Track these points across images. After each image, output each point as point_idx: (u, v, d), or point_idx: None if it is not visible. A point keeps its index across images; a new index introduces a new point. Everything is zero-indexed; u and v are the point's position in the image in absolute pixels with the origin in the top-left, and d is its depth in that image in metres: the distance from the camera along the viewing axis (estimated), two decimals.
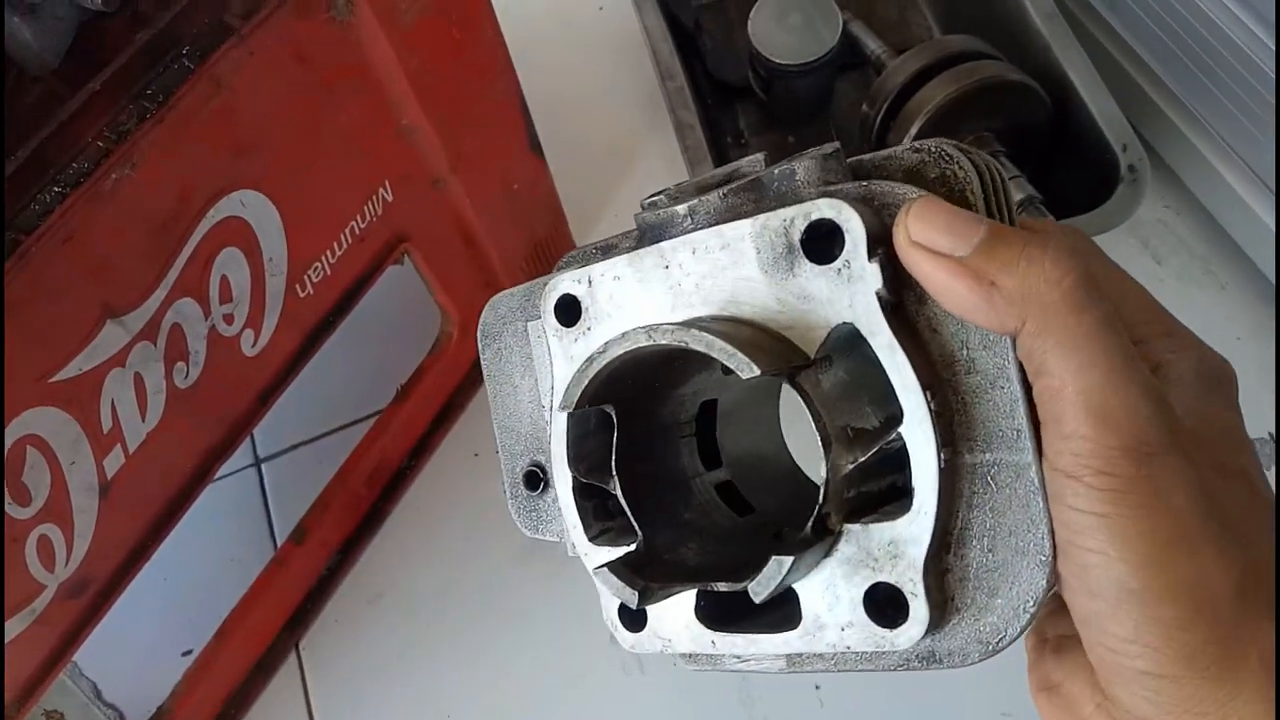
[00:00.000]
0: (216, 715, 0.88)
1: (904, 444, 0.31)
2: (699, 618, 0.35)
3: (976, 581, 0.31)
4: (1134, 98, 1.03)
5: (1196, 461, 0.28)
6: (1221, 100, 0.93)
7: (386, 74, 0.73)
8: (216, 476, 0.76)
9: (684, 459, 0.41)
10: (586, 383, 0.35)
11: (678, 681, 0.85)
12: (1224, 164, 0.96)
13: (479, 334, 0.43)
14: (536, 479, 0.40)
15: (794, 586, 0.33)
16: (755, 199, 0.34)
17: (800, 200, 0.32)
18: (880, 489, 0.33)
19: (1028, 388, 0.30)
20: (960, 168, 0.31)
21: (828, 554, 0.32)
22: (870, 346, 0.31)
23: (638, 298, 0.35)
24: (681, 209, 0.35)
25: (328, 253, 0.76)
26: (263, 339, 0.74)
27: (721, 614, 0.35)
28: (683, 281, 0.34)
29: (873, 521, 0.31)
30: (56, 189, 0.54)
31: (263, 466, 1.03)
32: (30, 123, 0.55)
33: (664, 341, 0.32)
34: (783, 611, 0.33)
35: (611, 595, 0.34)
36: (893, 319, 0.31)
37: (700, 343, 0.31)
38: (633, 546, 0.36)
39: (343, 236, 0.77)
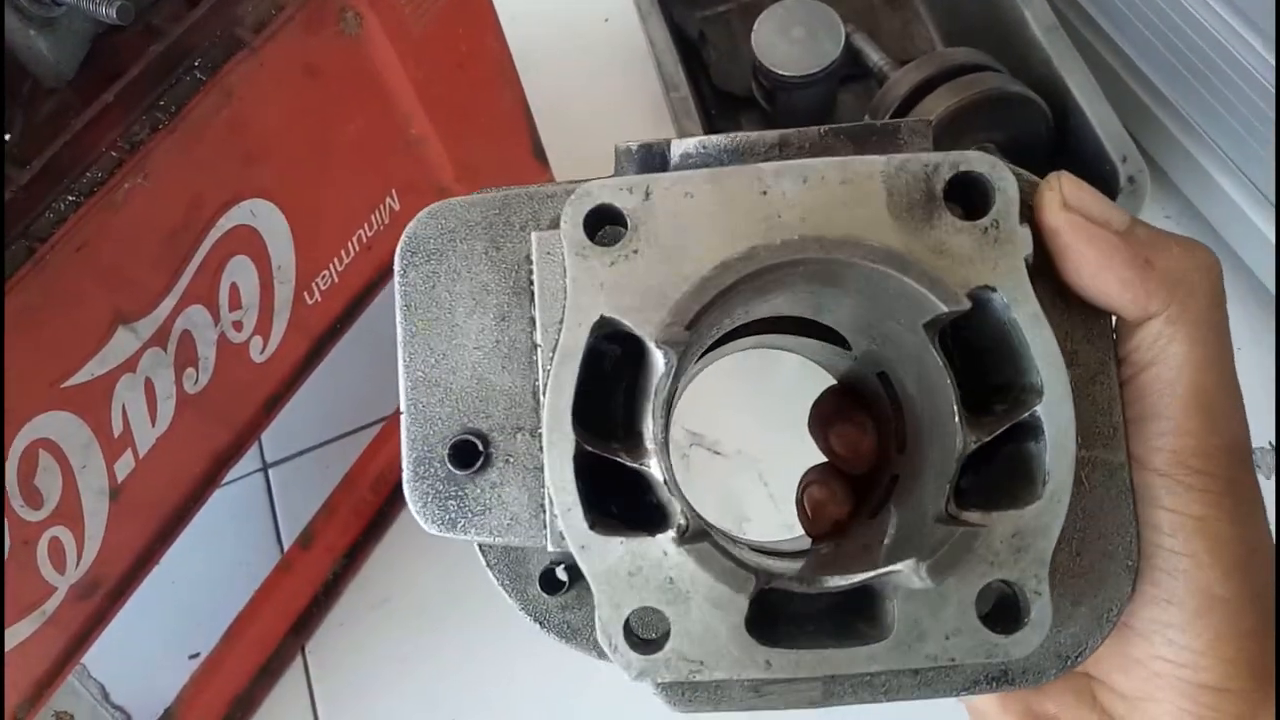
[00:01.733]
0: (223, 717, 0.89)
1: (1036, 421, 0.28)
2: (749, 630, 0.28)
3: (1061, 590, 0.28)
4: (1133, 109, 1.03)
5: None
6: (1220, 112, 0.94)
7: (394, 86, 0.75)
8: (224, 481, 0.77)
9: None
10: (710, 298, 0.28)
11: None
12: (1223, 174, 0.97)
13: (402, 249, 0.32)
14: (472, 452, 0.31)
15: (874, 587, 0.28)
16: (876, 143, 0.30)
17: (951, 154, 0.28)
18: (997, 480, 0.29)
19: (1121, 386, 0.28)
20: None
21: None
22: (1000, 317, 0.28)
23: (715, 222, 0.29)
24: (771, 135, 0.30)
25: (335, 261, 0.77)
26: (271, 345, 0.75)
27: (776, 620, 0.29)
28: (783, 213, 0.29)
29: (994, 504, 0.28)
30: (70, 198, 0.55)
31: (270, 471, 1.04)
32: (45, 133, 0.56)
33: (860, 263, 0.28)
34: (858, 613, 0.28)
35: (635, 602, 0.27)
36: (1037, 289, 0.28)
37: (896, 264, 0.27)
38: (675, 530, 0.28)
39: (350, 245, 0.78)
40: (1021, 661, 0.28)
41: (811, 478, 0.37)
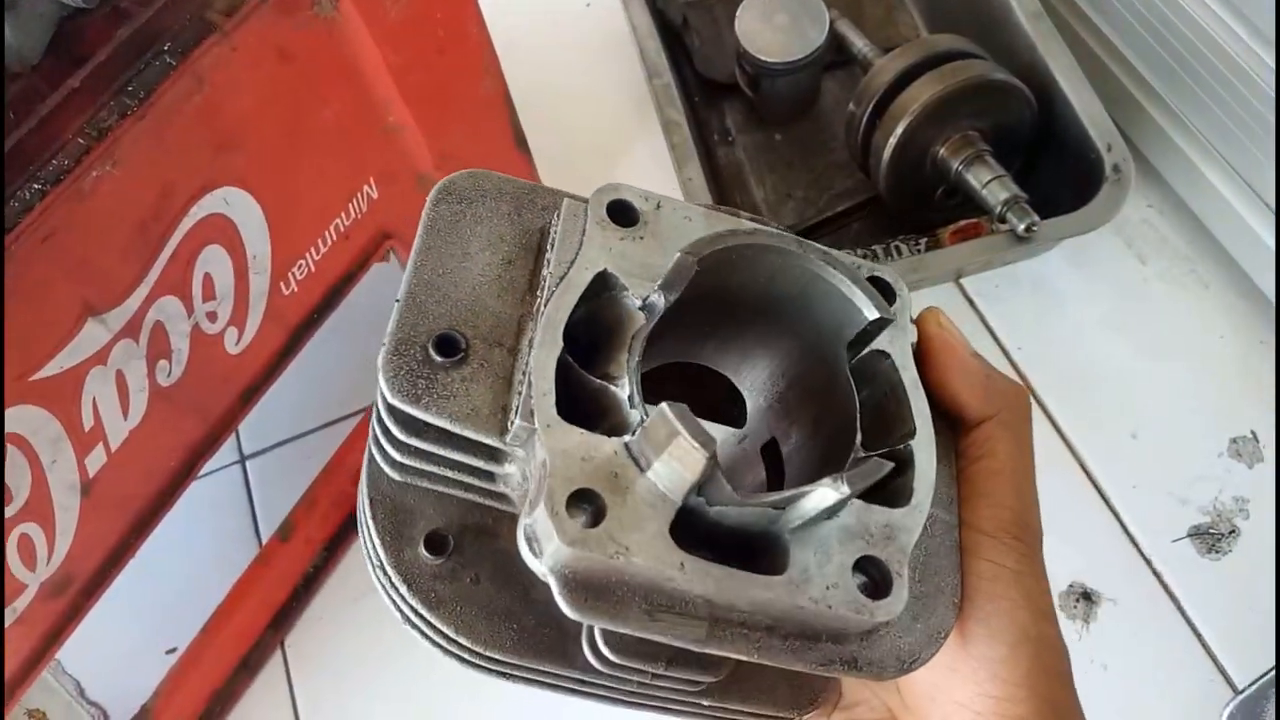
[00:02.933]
0: (201, 713, 0.88)
1: (909, 453, 0.36)
2: (672, 533, 0.32)
3: (905, 605, 0.34)
4: (1118, 98, 1.03)
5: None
6: (1205, 101, 0.94)
7: (371, 71, 0.73)
8: (201, 473, 0.76)
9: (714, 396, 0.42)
10: (718, 246, 0.36)
11: None
12: (1207, 164, 0.97)
13: (440, 189, 0.37)
14: (454, 346, 0.34)
15: (787, 537, 0.34)
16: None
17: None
18: (895, 461, 0.36)
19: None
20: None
21: (829, 517, 0.34)
22: (889, 375, 0.37)
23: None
24: (748, 224, 0.39)
25: (312, 250, 0.76)
26: (246, 337, 0.73)
27: (689, 543, 0.32)
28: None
29: (876, 504, 0.35)
30: (36, 186, 0.54)
31: (248, 463, 1.02)
32: (9, 120, 0.54)
33: (823, 273, 0.38)
34: (753, 561, 0.33)
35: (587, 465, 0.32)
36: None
37: (840, 275, 0.37)
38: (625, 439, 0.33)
39: (327, 234, 0.76)
40: (869, 654, 0.34)
41: None
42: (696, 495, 0.32)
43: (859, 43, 1.05)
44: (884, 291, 0.38)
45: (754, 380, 0.44)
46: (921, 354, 0.39)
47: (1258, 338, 0.97)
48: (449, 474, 0.35)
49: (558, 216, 0.37)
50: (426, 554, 0.36)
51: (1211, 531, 0.88)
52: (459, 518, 0.37)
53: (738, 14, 1.04)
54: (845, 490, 0.31)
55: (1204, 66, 0.92)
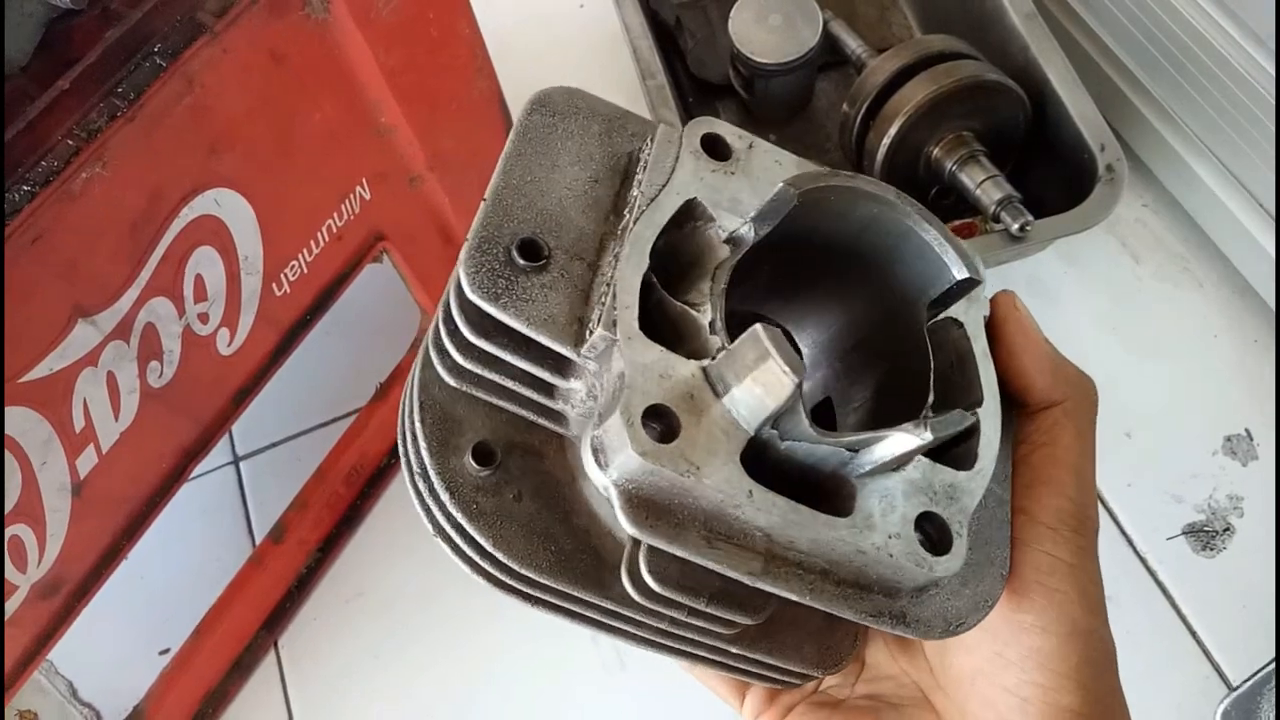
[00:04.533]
0: (194, 714, 0.88)
1: (976, 420, 0.35)
2: (744, 463, 0.32)
3: (960, 574, 0.35)
4: (1111, 97, 1.03)
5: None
6: (1197, 100, 0.94)
7: (363, 72, 0.73)
8: (194, 474, 0.76)
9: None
10: (821, 184, 0.35)
11: (659, 678, 0.85)
12: (1200, 163, 0.97)
13: (534, 100, 0.38)
14: (538, 252, 0.34)
15: (854, 481, 0.34)
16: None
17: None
18: (965, 430, 0.36)
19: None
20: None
21: (896, 469, 0.34)
22: (961, 343, 0.37)
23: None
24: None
25: (304, 251, 0.76)
26: (238, 338, 0.73)
27: (762, 474, 0.32)
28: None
29: (942, 464, 0.35)
30: (25, 188, 0.54)
31: (241, 465, 1.02)
32: None
33: (918, 228, 0.37)
34: (828, 501, 0.34)
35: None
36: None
37: (936, 232, 0.37)
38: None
39: (319, 235, 0.76)
40: (918, 611, 0.34)
41: None
42: (770, 428, 0.32)
43: (852, 43, 1.05)
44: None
45: (818, 338, 0.43)
46: (994, 331, 0.38)
47: (1252, 336, 0.97)
48: (510, 384, 0.35)
49: (651, 141, 0.37)
50: (473, 464, 0.35)
51: (1206, 529, 0.88)
52: (507, 434, 0.36)
53: (731, 15, 1.04)
54: (927, 436, 0.32)
55: (1196, 66, 0.92)
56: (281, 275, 0.74)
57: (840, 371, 0.42)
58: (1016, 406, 0.39)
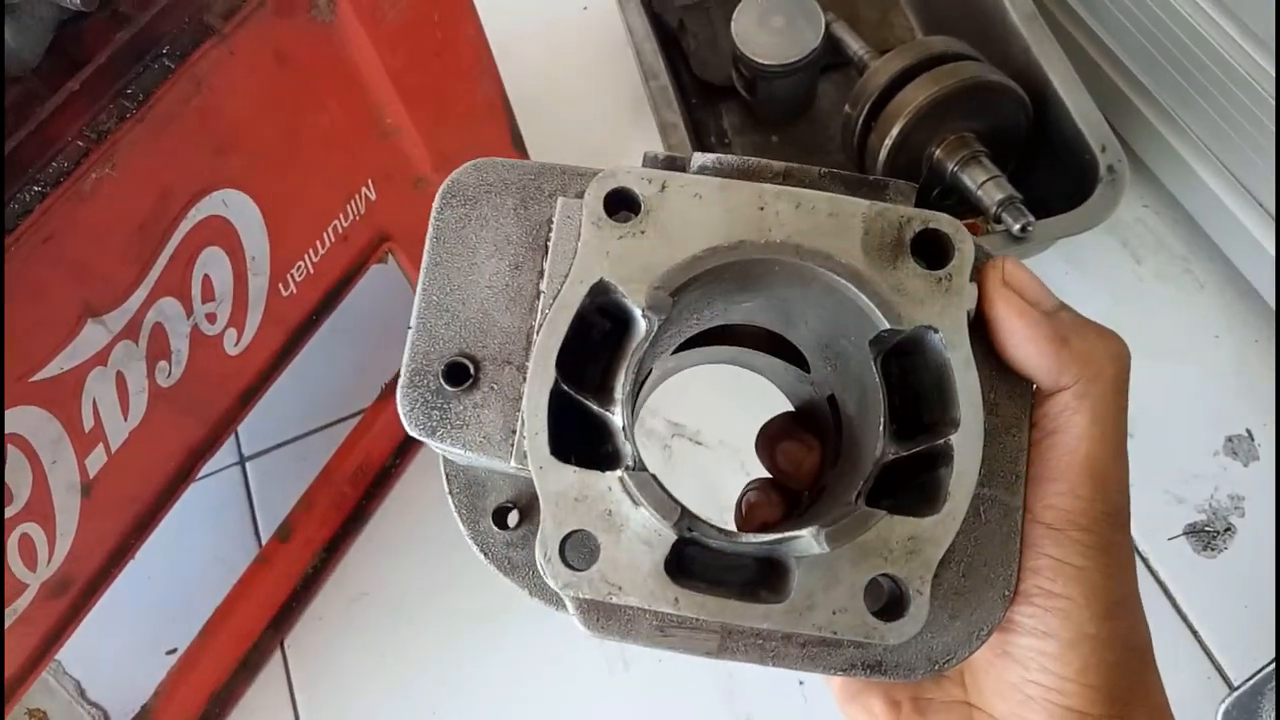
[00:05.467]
0: (201, 712, 0.88)
1: (948, 449, 0.32)
2: (667, 570, 0.31)
3: (942, 602, 0.32)
4: (1112, 98, 1.04)
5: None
6: (1198, 101, 0.95)
7: (369, 74, 0.74)
8: (200, 475, 0.76)
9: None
10: (695, 272, 0.33)
11: (660, 678, 0.85)
12: (1201, 164, 0.98)
13: (444, 191, 0.37)
14: (463, 373, 0.34)
15: (789, 561, 0.32)
16: (852, 189, 0.35)
17: (908, 209, 0.33)
18: (912, 486, 0.34)
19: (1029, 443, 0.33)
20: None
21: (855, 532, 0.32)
22: (937, 354, 0.33)
23: (714, 223, 0.34)
24: (778, 165, 0.35)
25: (310, 252, 0.76)
26: (245, 338, 0.74)
27: (692, 571, 0.32)
28: (774, 229, 0.34)
29: (900, 514, 0.31)
30: (36, 188, 0.54)
31: (247, 465, 1.03)
32: (9, 123, 0.55)
33: (824, 273, 0.33)
34: (762, 583, 0.32)
35: (567, 520, 0.31)
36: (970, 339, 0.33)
37: (850, 281, 0.32)
38: (620, 472, 0.32)
39: (325, 236, 0.77)
40: (896, 656, 0.32)
41: (752, 485, 0.42)
42: (689, 530, 0.32)
43: (854, 45, 1.06)
44: (939, 248, 0.33)
45: (803, 340, 0.41)
46: (985, 318, 0.34)
47: (1252, 336, 0.97)
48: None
49: (552, 221, 0.35)
50: (494, 526, 0.36)
51: (1207, 529, 0.88)
52: (526, 488, 0.36)
53: (734, 16, 1.04)
54: (825, 547, 0.30)
55: (1196, 66, 0.93)
56: (288, 276, 0.75)
57: (831, 375, 0.40)
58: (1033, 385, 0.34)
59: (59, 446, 0.62)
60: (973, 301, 0.33)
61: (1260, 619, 0.82)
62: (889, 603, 0.31)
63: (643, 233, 0.34)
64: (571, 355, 0.33)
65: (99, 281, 0.61)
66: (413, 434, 0.34)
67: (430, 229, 0.37)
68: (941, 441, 0.32)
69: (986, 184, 0.91)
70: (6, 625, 0.64)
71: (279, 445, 1.03)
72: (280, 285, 0.74)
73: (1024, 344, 0.33)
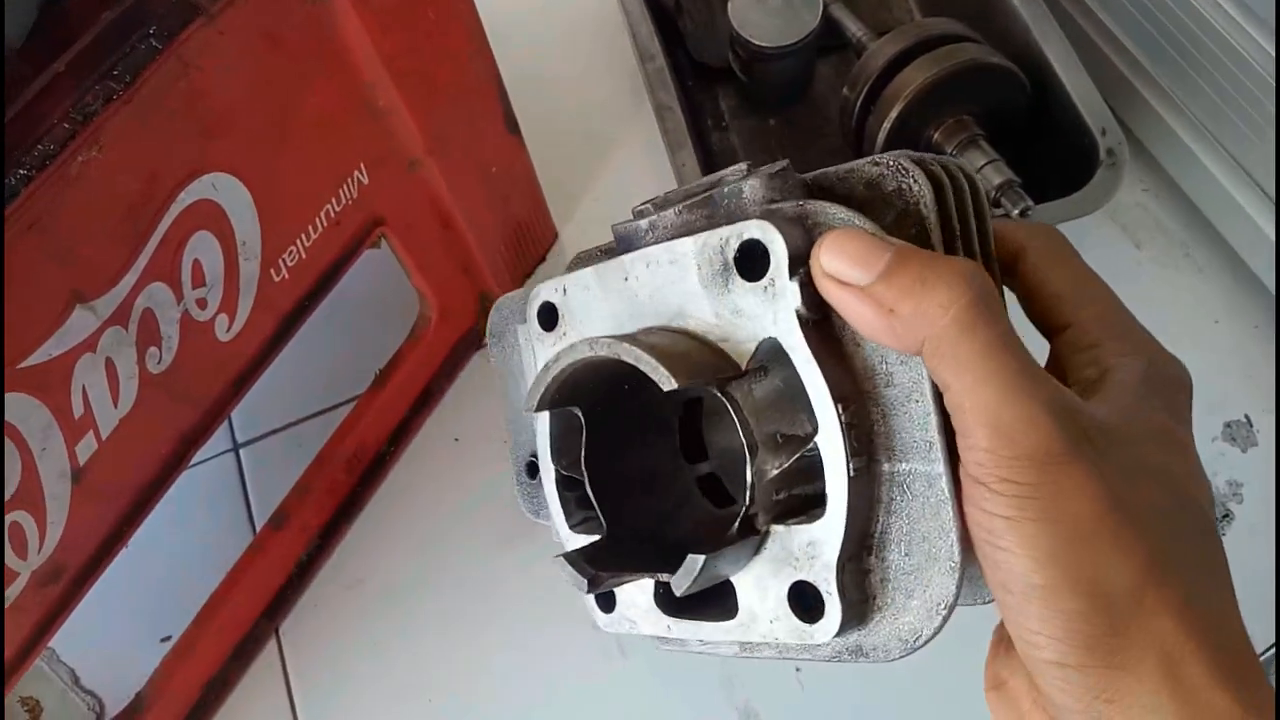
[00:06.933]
0: (196, 700, 0.88)
1: (817, 454, 0.32)
2: (658, 604, 0.38)
3: (895, 583, 0.33)
4: (1112, 81, 1.03)
5: (1108, 463, 0.30)
6: (1199, 83, 0.94)
7: (360, 56, 0.72)
8: (193, 461, 0.76)
9: (664, 453, 0.42)
10: (543, 389, 0.36)
11: (658, 666, 0.85)
12: (1201, 147, 0.97)
13: (488, 332, 0.47)
14: (535, 469, 0.44)
15: (731, 580, 0.35)
16: (708, 215, 0.35)
17: (744, 218, 0.33)
18: (808, 494, 0.34)
19: (942, 400, 0.31)
20: (915, 181, 0.32)
21: (757, 552, 0.34)
22: (776, 370, 0.34)
23: (602, 307, 0.37)
24: (643, 224, 0.37)
25: (302, 236, 0.75)
26: (237, 323, 0.73)
27: (678, 601, 0.37)
28: (639, 293, 0.36)
29: (796, 524, 0.33)
30: (21, 171, 0.53)
31: (241, 451, 1.02)
32: None
33: (602, 353, 0.34)
34: (729, 602, 0.36)
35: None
36: (813, 335, 0.32)
37: (630, 355, 0.33)
38: (598, 536, 0.38)
39: (317, 220, 0.76)
40: (871, 640, 0.33)
41: None
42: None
43: (853, 26, 1.05)
44: (758, 257, 0.32)
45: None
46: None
47: (1252, 322, 0.97)
48: None
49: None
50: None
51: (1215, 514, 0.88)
52: None
53: None
54: (701, 569, 0.33)
55: (1198, 49, 0.92)
56: (280, 260, 0.74)
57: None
58: None
59: (48, 434, 0.61)
60: (798, 299, 0.32)
61: (1259, 605, 0.82)
62: (811, 606, 0.33)
63: (564, 335, 0.38)
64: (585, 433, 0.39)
65: (87, 267, 0.60)
66: (532, 519, 0.45)
67: (494, 365, 0.47)
68: (810, 445, 0.33)
69: (985, 168, 0.90)
70: None
71: (273, 432, 1.02)
72: (272, 270, 0.74)
73: (860, 324, 0.31)
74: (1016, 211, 0.87)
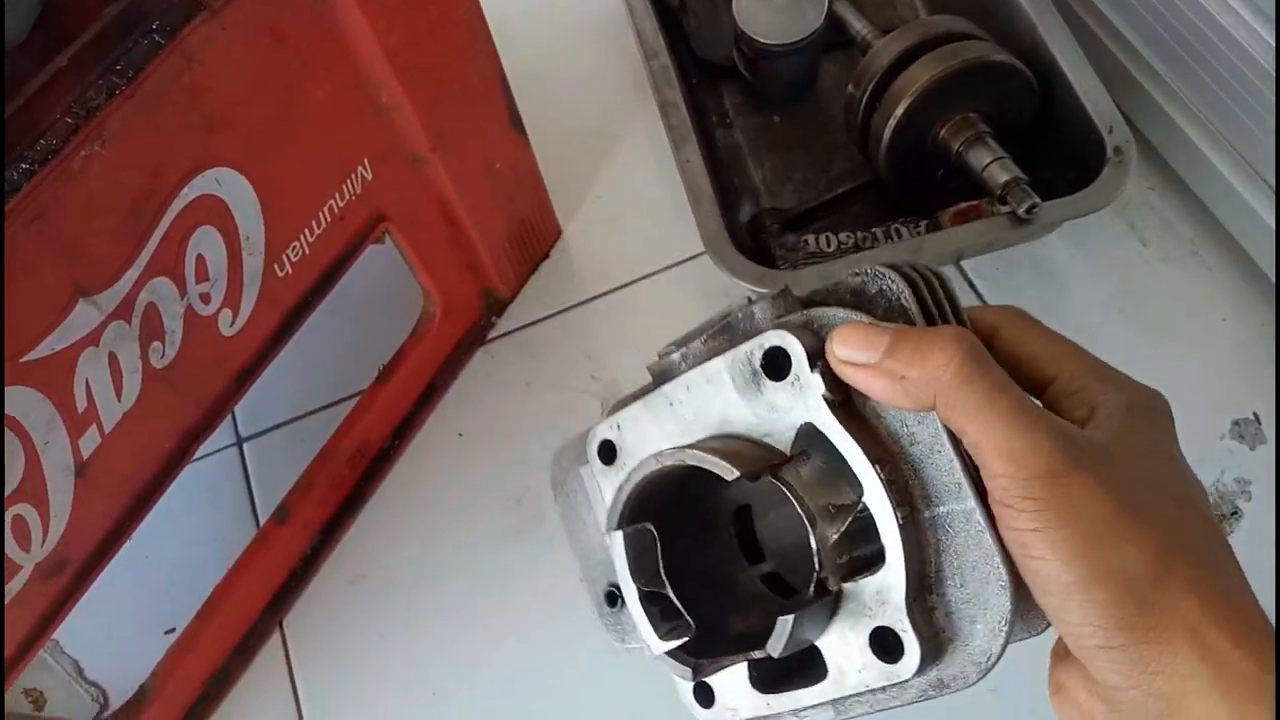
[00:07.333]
0: (200, 693, 0.89)
1: (868, 513, 0.36)
2: (753, 685, 0.41)
3: (959, 613, 0.36)
4: (1119, 78, 1.02)
5: (1108, 473, 0.34)
6: (1207, 81, 0.93)
7: (364, 51, 0.73)
8: (197, 456, 0.76)
9: (728, 557, 0.46)
10: (621, 507, 0.41)
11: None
12: (1209, 145, 0.96)
13: (551, 484, 0.50)
14: (614, 597, 0.47)
15: (816, 644, 0.39)
16: (729, 339, 0.41)
17: (759, 333, 0.39)
18: (867, 554, 0.38)
19: (961, 446, 0.36)
20: (893, 282, 0.38)
21: (834, 612, 0.38)
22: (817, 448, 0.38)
23: (656, 433, 0.42)
24: (676, 356, 0.43)
25: (306, 231, 0.75)
26: (241, 318, 0.73)
27: (771, 679, 0.40)
28: (685, 414, 0.41)
29: (862, 578, 0.37)
30: (24, 166, 0.53)
31: (244, 446, 1.02)
32: None
33: (669, 463, 0.40)
34: (818, 670, 0.39)
35: (678, 678, 0.42)
36: (840, 413, 0.37)
37: (693, 459, 0.39)
38: (688, 637, 0.41)
39: (321, 215, 0.76)
40: (950, 672, 0.37)
41: None
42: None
43: (858, 24, 1.04)
44: (781, 359, 0.38)
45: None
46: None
47: (1259, 320, 0.96)
48: None
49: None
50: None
51: (1214, 514, 0.88)
52: None
53: None
54: (792, 630, 0.37)
55: (1205, 47, 0.91)
56: (283, 256, 0.74)
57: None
58: None
59: (52, 427, 0.62)
60: (822, 387, 0.37)
61: (1265, 602, 0.81)
62: (891, 648, 0.37)
63: (624, 465, 0.43)
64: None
65: (90, 261, 0.60)
66: (622, 648, 0.47)
67: (559, 512, 0.50)
68: (860, 507, 0.37)
69: (991, 165, 0.90)
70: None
71: (276, 426, 1.03)
72: (275, 265, 0.74)
73: (880, 395, 0.36)
74: (1023, 209, 0.87)
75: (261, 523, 0.95)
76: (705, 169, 0.95)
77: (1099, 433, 0.36)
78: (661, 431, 0.42)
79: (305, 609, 0.93)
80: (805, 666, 0.39)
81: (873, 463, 0.36)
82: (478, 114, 0.88)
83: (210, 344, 0.71)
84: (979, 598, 0.36)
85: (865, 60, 0.96)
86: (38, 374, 0.59)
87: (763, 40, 1.02)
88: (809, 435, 0.38)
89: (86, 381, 0.63)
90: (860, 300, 0.39)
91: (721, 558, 0.46)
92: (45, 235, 0.56)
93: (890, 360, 0.35)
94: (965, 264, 1.03)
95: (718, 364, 0.40)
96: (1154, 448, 0.37)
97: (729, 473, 0.37)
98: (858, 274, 0.39)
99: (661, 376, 0.43)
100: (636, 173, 1.13)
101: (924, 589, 0.37)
